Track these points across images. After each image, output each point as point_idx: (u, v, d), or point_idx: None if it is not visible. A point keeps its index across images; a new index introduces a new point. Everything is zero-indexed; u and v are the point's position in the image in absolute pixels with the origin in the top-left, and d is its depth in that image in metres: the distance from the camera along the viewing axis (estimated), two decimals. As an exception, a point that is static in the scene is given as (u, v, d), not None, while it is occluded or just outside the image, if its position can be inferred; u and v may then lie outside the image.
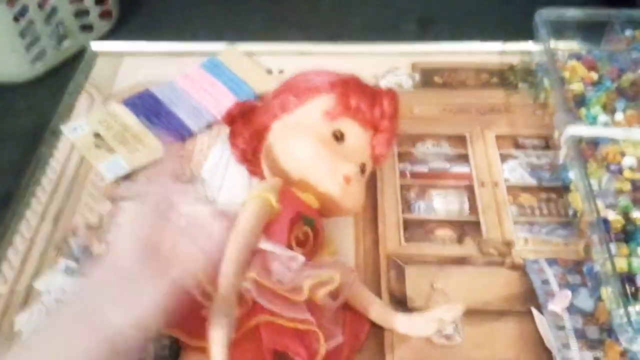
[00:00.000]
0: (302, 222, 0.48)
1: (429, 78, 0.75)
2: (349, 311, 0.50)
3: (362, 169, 0.55)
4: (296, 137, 0.52)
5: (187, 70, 0.74)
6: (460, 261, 0.57)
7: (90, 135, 0.66)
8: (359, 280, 0.51)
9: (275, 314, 0.42)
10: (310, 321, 0.43)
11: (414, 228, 0.59)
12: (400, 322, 0.49)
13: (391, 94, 0.56)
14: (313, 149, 0.51)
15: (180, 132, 0.67)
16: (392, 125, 0.56)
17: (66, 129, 0.67)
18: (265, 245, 0.45)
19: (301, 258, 0.45)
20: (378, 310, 0.50)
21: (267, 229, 0.46)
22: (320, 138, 0.52)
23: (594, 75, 0.67)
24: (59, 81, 0.76)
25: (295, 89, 0.55)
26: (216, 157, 0.65)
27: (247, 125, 0.57)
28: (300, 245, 0.48)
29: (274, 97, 0.57)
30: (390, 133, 0.56)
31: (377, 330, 0.51)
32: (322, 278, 0.45)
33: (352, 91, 0.54)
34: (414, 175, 0.64)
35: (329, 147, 0.52)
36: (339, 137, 0.53)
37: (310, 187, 0.51)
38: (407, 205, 0.61)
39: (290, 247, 0.47)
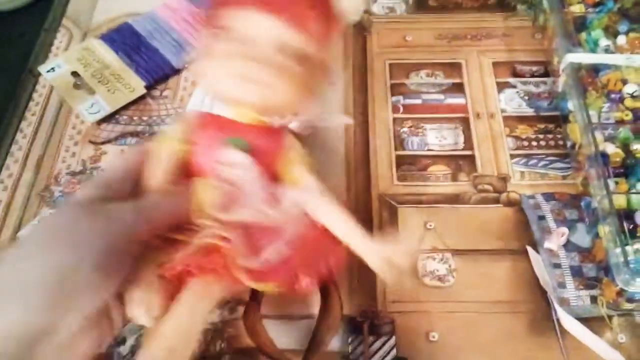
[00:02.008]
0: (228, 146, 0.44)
1: (423, 1, 0.71)
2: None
3: (285, 52, 0.44)
4: (198, 64, 0.46)
5: (167, 0, 0.70)
6: (455, 199, 0.55)
7: (68, 74, 0.63)
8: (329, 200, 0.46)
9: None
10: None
11: (407, 165, 0.57)
12: (357, 245, 0.45)
13: None
14: (210, 68, 0.44)
15: (162, 69, 0.64)
16: None
17: (44, 69, 0.64)
18: None
19: None
20: (342, 230, 0.46)
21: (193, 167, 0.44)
22: (213, 51, 0.44)
23: (596, -5, 0.64)
24: (48, 7, 0.73)
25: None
26: (200, 94, 0.63)
27: None
28: None
29: None
30: None
31: (368, 273, 0.50)
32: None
33: None
34: (407, 108, 0.62)
35: (225, 56, 0.44)
36: (233, 37, 0.44)
37: (233, 104, 0.46)
38: (399, 141, 0.59)
39: None
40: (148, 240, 0.40)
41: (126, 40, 0.66)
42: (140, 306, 0.38)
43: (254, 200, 0.43)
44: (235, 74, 0.43)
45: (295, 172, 0.46)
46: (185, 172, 0.45)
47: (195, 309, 0.39)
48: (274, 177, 0.46)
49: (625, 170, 0.52)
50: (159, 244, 0.41)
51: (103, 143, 0.59)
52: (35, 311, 0.33)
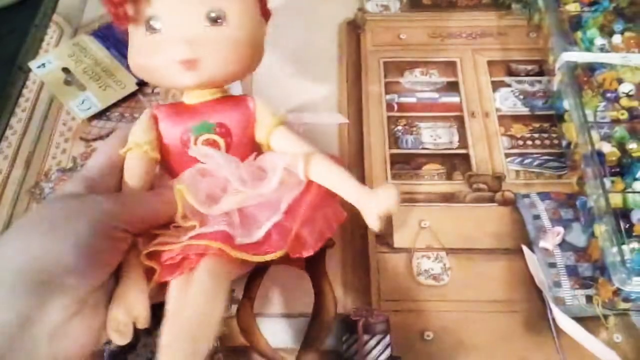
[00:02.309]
0: (192, 136, 0.43)
1: (417, -1, 0.71)
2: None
3: (215, 20, 0.41)
4: (130, 65, 0.45)
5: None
6: (449, 197, 0.55)
7: (59, 71, 0.63)
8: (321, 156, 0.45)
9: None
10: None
11: (401, 164, 0.57)
12: (352, 196, 0.45)
13: None
14: (142, 66, 0.43)
15: (154, 66, 0.63)
16: None
17: (34, 65, 0.63)
18: None
19: None
20: (334, 183, 0.45)
21: (174, 160, 0.44)
22: (140, 47, 0.42)
23: (591, -6, 0.64)
24: (38, 4, 0.72)
25: None
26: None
27: None
28: None
29: None
30: None
31: (363, 273, 0.50)
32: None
33: None
34: (402, 107, 0.61)
35: (150, 48, 0.42)
36: (151, 26, 0.41)
37: (177, 88, 0.46)
38: (394, 140, 0.59)
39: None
40: (134, 234, 0.40)
41: (118, 37, 0.65)
42: (113, 326, 0.38)
43: (238, 185, 0.42)
44: (167, 62, 0.41)
45: (277, 137, 0.45)
46: (164, 170, 0.45)
47: (212, 289, 0.39)
48: (252, 145, 0.45)
49: (621, 169, 0.51)
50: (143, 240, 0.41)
51: (94, 140, 0.59)
52: (16, 297, 0.33)
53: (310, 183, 0.45)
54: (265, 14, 0.46)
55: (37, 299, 0.34)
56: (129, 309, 0.38)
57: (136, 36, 0.42)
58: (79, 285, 0.35)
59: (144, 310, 0.39)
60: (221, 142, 0.44)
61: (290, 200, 0.43)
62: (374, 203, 0.43)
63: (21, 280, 0.34)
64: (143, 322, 0.39)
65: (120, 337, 0.38)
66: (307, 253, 0.42)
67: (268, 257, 0.40)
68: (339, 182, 0.44)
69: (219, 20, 0.41)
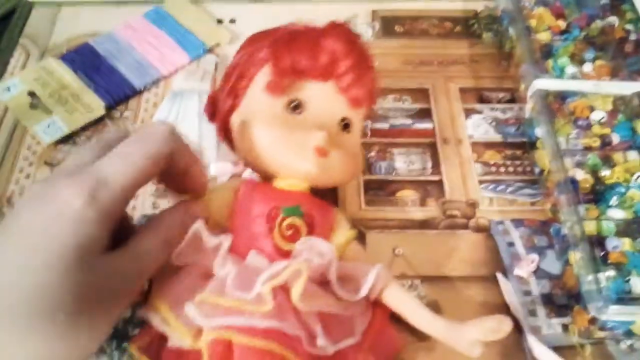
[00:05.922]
0: (281, 215, 0.42)
1: (390, 27, 0.71)
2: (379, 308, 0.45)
3: (345, 126, 0.46)
4: (250, 131, 0.44)
5: (129, 20, 0.68)
6: (423, 224, 0.54)
7: (24, 94, 0.61)
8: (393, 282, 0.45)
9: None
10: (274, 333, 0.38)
11: (374, 190, 0.56)
12: (440, 333, 0.44)
13: (335, 29, 0.46)
14: (269, 136, 0.43)
15: (123, 90, 0.62)
16: (354, 61, 0.45)
17: (-2, 88, 0.62)
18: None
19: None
20: (419, 319, 0.45)
21: (245, 237, 0.42)
22: (273, 118, 0.44)
23: (562, 24, 0.64)
24: (5, 26, 0.70)
25: (240, 68, 0.46)
26: (163, 116, 0.61)
27: (217, 117, 0.49)
28: (290, 240, 0.42)
29: (224, 81, 0.48)
30: (356, 70, 0.45)
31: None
32: (282, 273, 0.38)
33: (284, 50, 0.44)
34: (375, 132, 0.61)
35: (286, 124, 0.43)
36: (295, 107, 0.44)
37: (287, 174, 0.44)
38: (367, 166, 0.58)
39: (277, 248, 0.41)
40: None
41: (86, 60, 0.64)
42: None
43: (336, 286, 0.41)
44: (302, 145, 0.42)
45: (352, 250, 0.46)
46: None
47: None
48: None
49: (595, 196, 0.51)
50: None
51: (59, 164, 0.57)
52: None
53: (375, 303, 0.44)
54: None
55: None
56: None
57: (270, 107, 0.44)
58: None
59: None
60: (304, 230, 0.43)
61: (364, 326, 0.43)
62: (473, 331, 0.42)
63: None
64: None
65: None
66: None
67: None
68: (419, 317, 0.44)
69: (347, 129, 0.46)
